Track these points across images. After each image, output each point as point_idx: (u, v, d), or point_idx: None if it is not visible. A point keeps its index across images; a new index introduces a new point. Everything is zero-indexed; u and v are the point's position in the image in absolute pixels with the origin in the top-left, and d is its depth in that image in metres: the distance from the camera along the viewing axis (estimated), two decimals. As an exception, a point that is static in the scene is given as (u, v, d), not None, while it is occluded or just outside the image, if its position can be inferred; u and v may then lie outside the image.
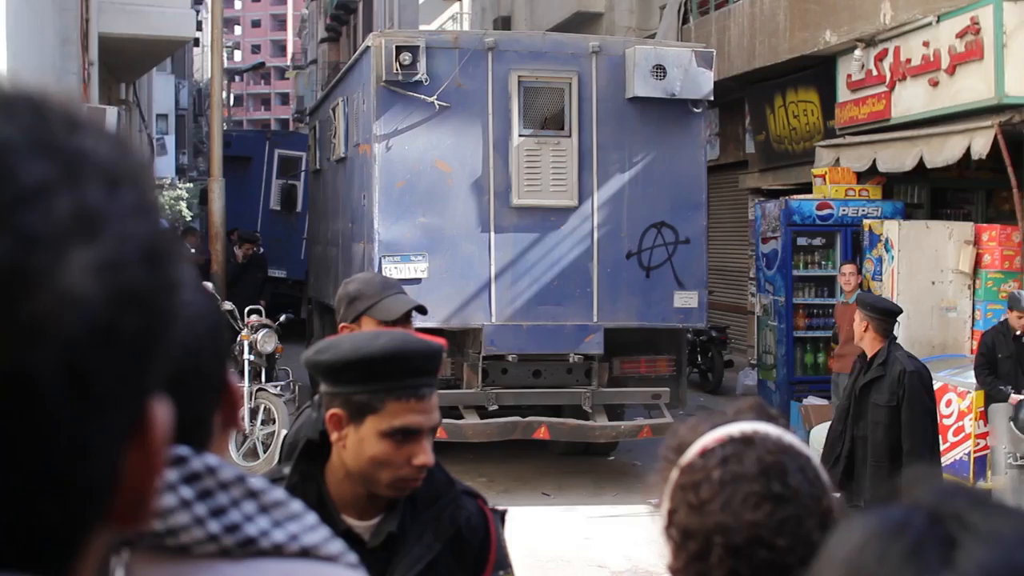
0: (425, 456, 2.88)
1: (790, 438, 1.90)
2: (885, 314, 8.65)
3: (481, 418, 12.49)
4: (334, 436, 2.91)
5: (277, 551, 1.45)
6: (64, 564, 0.86)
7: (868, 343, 8.54)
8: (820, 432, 12.67)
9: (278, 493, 1.50)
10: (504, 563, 3.22)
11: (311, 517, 1.52)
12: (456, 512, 3.12)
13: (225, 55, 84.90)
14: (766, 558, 1.78)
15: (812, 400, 14.22)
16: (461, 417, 12.52)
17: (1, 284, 0.77)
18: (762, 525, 1.80)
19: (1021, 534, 1.03)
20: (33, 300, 0.78)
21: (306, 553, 1.48)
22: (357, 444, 2.88)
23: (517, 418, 12.42)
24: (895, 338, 8.74)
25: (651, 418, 13.16)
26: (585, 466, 13.75)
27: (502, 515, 3.31)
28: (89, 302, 0.81)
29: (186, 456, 1.44)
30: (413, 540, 3.02)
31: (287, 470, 3.06)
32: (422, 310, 4.40)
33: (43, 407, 0.80)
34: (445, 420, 12.33)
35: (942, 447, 12.12)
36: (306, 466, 3.02)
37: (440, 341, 3.01)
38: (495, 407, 12.53)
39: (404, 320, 4.31)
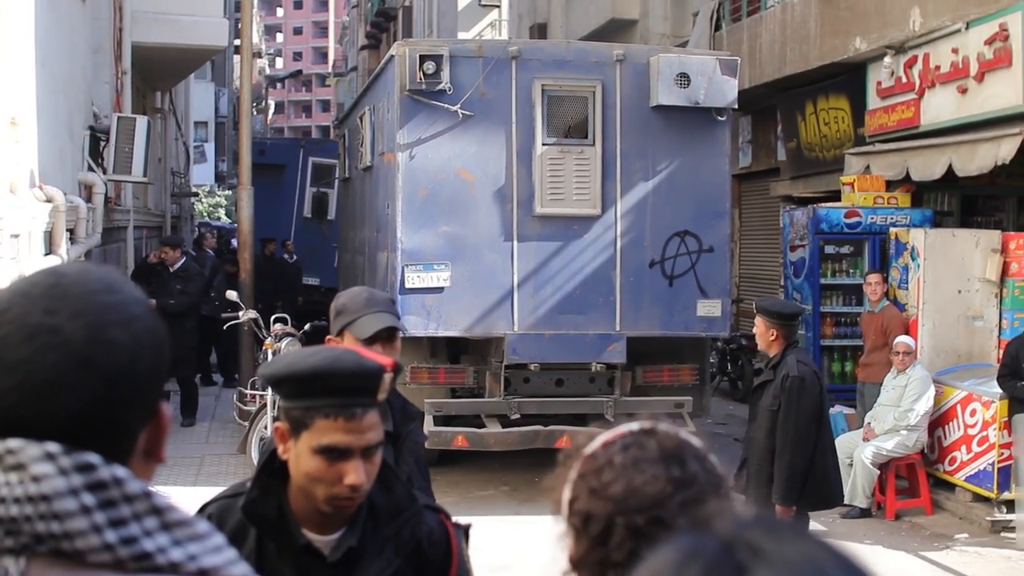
0: (355, 476, 2.87)
1: (687, 434, 1.95)
2: (791, 319, 8.62)
3: (503, 427, 12.51)
4: (280, 449, 2.96)
5: (173, 569, 1.48)
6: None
7: (774, 348, 8.50)
8: (845, 440, 12.66)
9: (183, 513, 1.52)
10: None
11: (216, 539, 1.54)
12: (417, 527, 3.13)
13: (266, 62, 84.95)
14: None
15: (840, 408, 14.14)
16: (483, 426, 12.54)
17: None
18: (663, 506, 1.82)
19: (809, 560, 1.04)
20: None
21: (204, 574, 1.49)
22: (295, 459, 2.92)
23: (539, 427, 12.41)
24: (797, 342, 8.68)
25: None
26: (609, 475, 13.71)
27: (466, 530, 3.32)
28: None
29: (95, 464, 1.47)
30: (373, 555, 3.04)
31: (249, 484, 3.09)
32: (393, 332, 4.37)
33: None
34: (467, 429, 12.38)
35: (966, 457, 12.11)
36: (268, 480, 3.04)
37: (385, 361, 2.99)
38: (517, 416, 12.54)
39: (381, 338, 4.29)
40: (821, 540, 1.08)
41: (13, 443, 1.45)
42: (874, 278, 13.71)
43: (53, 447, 1.45)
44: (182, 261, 17.67)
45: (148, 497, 1.49)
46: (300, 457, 2.90)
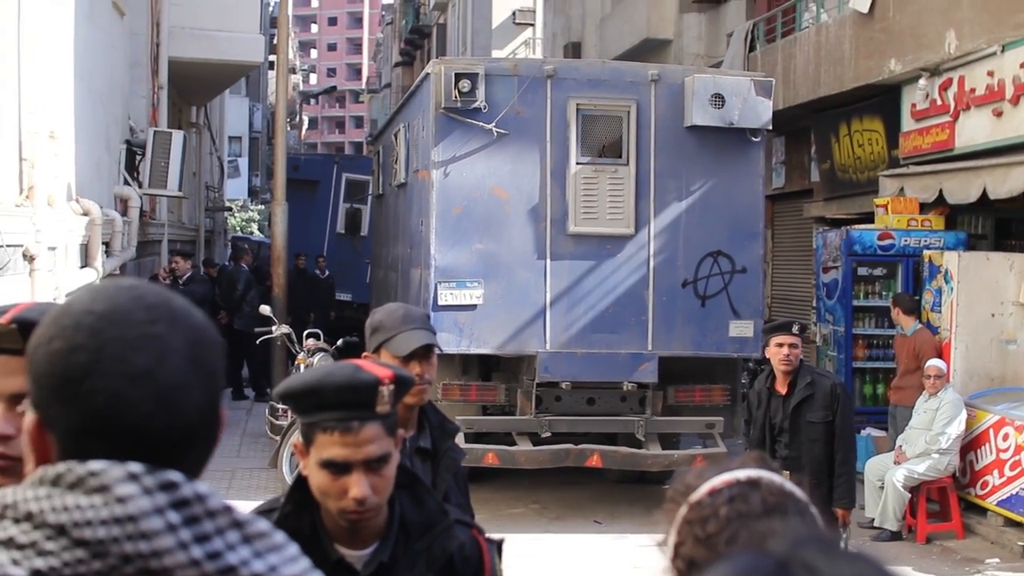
0: (357, 489, 2.90)
1: (791, 486, 2.00)
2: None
3: (534, 445, 12.51)
4: (300, 465, 3.01)
5: None
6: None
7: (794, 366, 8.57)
8: (876, 462, 12.63)
9: (262, 524, 1.56)
10: None
11: (292, 548, 1.58)
12: (448, 541, 3.15)
13: (301, 78, 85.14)
14: None
15: (870, 431, 14.12)
16: (514, 443, 12.54)
17: None
18: None
19: None
20: None
21: None
22: (310, 474, 2.98)
23: (570, 445, 12.42)
24: None
25: (705, 447, 13.12)
26: (639, 494, 13.69)
27: (499, 545, 3.33)
28: None
29: (177, 482, 1.50)
30: (404, 570, 3.06)
31: (283, 499, 3.12)
32: (430, 349, 4.34)
33: None
34: (498, 446, 12.38)
35: (998, 481, 12.06)
36: (301, 496, 3.07)
37: (382, 374, 2.99)
38: (548, 434, 12.55)
39: (418, 355, 4.25)
40: (874, 560, 1.10)
41: (95, 465, 1.47)
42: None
43: (136, 467, 1.48)
44: (189, 273, 17.90)
45: (229, 511, 1.52)
46: (311, 472, 2.96)
